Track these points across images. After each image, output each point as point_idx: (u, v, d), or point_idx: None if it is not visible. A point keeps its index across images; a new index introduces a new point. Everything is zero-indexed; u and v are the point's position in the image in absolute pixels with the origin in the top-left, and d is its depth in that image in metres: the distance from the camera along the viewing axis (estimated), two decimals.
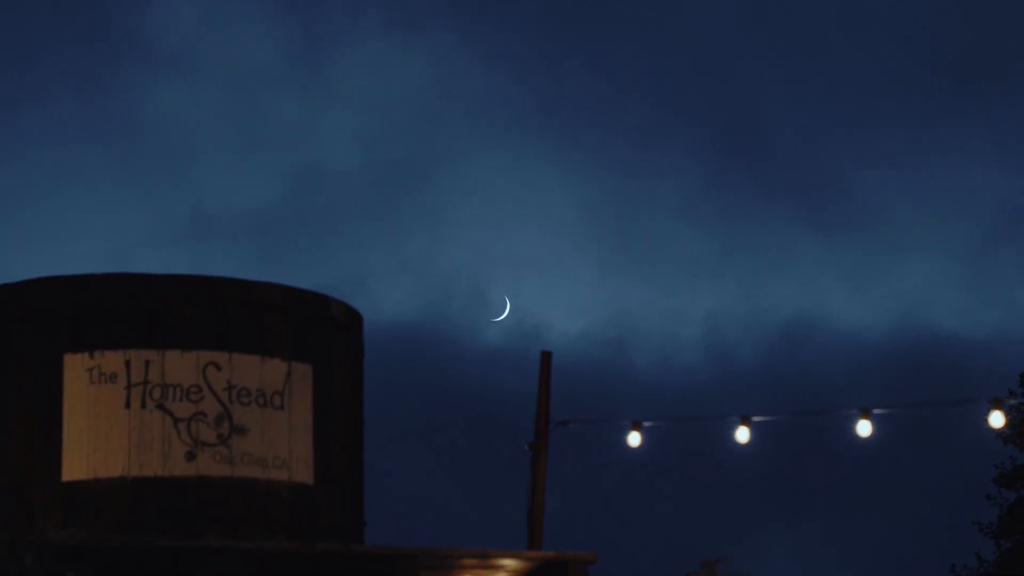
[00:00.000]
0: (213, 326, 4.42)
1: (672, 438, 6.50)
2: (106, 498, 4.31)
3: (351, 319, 4.89)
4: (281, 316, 4.56)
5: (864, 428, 4.92)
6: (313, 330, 4.65)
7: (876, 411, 4.94)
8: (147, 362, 4.46)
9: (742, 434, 4.85)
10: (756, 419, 5.59)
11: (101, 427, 4.27)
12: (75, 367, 4.56)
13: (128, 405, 4.33)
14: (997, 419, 4.22)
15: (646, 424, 6.31)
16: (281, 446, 4.34)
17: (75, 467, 4.42)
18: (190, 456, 4.45)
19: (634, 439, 5.22)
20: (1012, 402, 3.93)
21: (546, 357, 5.06)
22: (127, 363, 4.63)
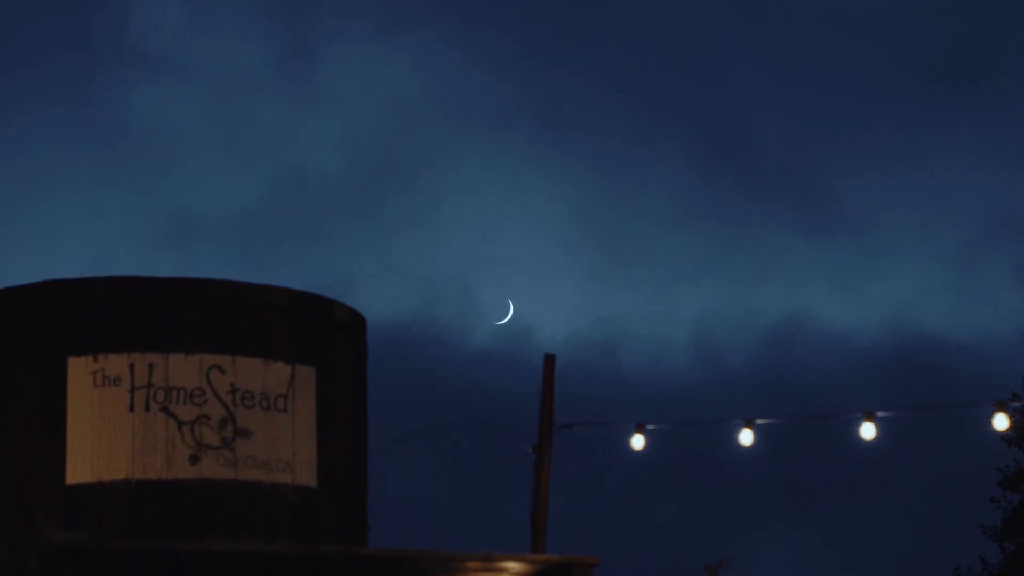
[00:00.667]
0: (216, 329, 4.43)
1: (674, 441, 6.49)
2: (109, 501, 4.31)
3: (354, 321, 4.89)
4: (284, 319, 4.56)
5: (867, 431, 4.91)
6: (316, 333, 4.65)
7: (880, 414, 4.93)
8: (151, 365, 4.46)
9: (745, 437, 4.84)
10: (760, 422, 5.59)
11: (105, 430, 4.27)
12: (79, 370, 4.56)
13: (132, 408, 4.33)
14: (1001, 422, 4.21)
15: (649, 427, 6.31)
16: (284, 449, 4.34)
17: (79, 470, 4.43)
18: (194, 459, 4.46)
19: (637, 442, 5.21)
20: (1016, 404, 3.92)
21: (549, 360, 5.05)
22: (131, 366, 4.63)
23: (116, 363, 4.49)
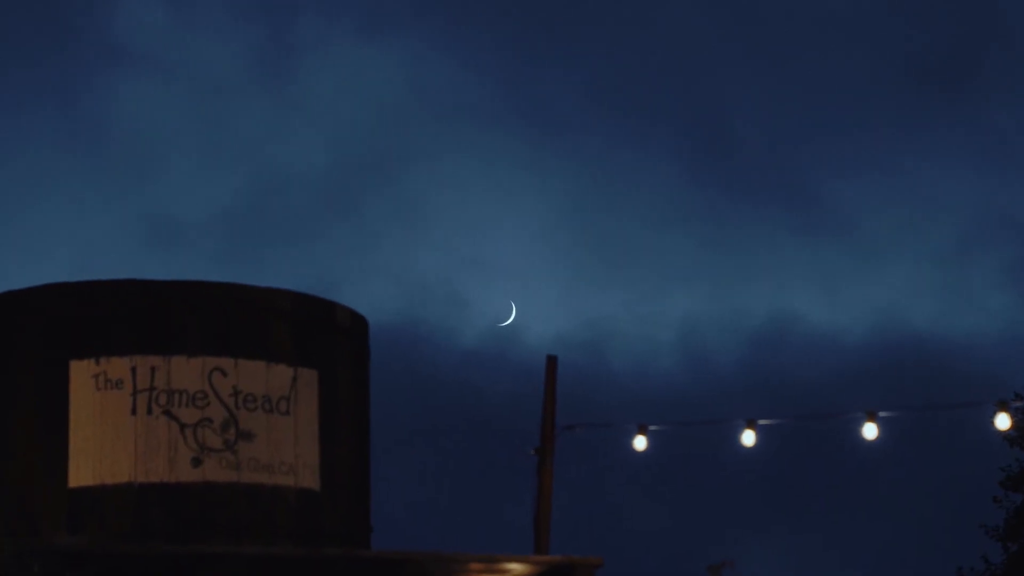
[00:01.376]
0: (218, 332, 4.42)
1: (674, 442, 6.49)
2: (112, 504, 4.31)
3: (355, 324, 4.89)
4: (286, 321, 4.56)
5: (869, 431, 4.91)
6: (318, 335, 4.65)
7: (881, 414, 4.94)
8: (153, 368, 4.47)
9: (748, 437, 4.84)
10: (762, 422, 5.60)
11: (107, 433, 4.27)
12: (81, 373, 4.56)
13: (134, 411, 4.33)
14: (1003, 421, 4.21)
15: (651, 427, 6.31)
16: (287, 452, 4.35)
17: (81, 473, 4.43)
18: (196, 462, 4.45)
19: (640, 443, 5.22)
20: (1018, 404, 3.92)
21: (551, 362, 5.07)
22: (133, 369, 4.63)
23: (118, 366, 4.49)
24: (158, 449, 4.18)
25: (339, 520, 4.22)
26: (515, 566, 3.66)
